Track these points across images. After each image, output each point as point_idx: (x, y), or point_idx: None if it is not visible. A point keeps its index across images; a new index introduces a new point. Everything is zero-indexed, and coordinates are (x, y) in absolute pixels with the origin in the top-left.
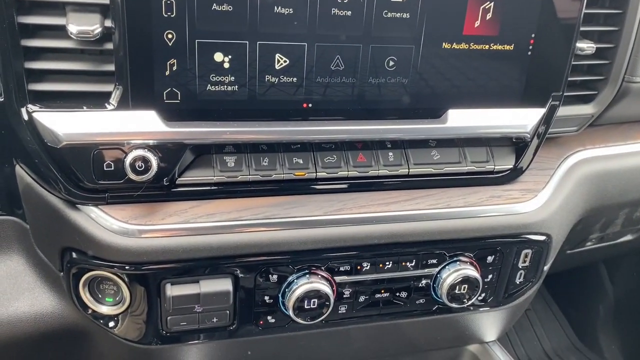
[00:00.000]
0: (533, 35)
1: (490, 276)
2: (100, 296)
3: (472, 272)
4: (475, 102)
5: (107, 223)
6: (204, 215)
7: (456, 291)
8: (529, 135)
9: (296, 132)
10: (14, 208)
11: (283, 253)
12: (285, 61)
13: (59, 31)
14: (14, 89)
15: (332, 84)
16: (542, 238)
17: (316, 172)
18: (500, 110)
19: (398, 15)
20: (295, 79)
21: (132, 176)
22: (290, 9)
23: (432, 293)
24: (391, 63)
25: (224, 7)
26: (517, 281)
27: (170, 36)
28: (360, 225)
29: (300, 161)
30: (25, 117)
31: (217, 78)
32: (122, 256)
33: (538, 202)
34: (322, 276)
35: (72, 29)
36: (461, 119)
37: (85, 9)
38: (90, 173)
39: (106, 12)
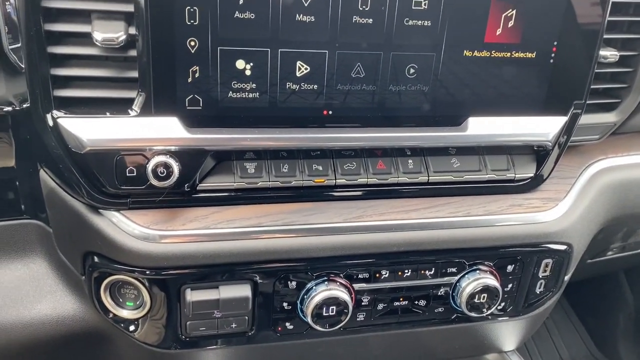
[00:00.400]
0: (555, 43)
1: (510, 285)
2: (121, 300)
3: (492, 281)
4: (496, 110)
5: (128, 228)
6: (224, 222)
7: (475, 300)
8: (550, 144)
9: (316, 139)
10: (38, 212)
11: (302, 260)
12: (306, 68)
13: (85, 38)
14: (40, 95)
15: (353, 91)
16: (563, 248)
17: (335, 179)
18: (522, 119)
19: (419, 23)
20: (315, 86)
21: (154, 182)
22: (312, 17)
23: (451, 302)
24: (412, 70)
25: (246, 15)
26: (537, 291)
27: (192, 43)
28: (380, 233)
29: (320, 168)
30: (51, 123)
31: (239, 85)
32: (143, 261)
33: (559, 211)
34: (341, 283)
35: (97, 36)
36: (482, 127)
37: (110, 17)
38: (112, 178)
39: (130, 19)
